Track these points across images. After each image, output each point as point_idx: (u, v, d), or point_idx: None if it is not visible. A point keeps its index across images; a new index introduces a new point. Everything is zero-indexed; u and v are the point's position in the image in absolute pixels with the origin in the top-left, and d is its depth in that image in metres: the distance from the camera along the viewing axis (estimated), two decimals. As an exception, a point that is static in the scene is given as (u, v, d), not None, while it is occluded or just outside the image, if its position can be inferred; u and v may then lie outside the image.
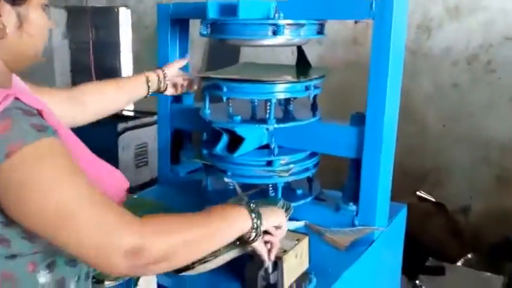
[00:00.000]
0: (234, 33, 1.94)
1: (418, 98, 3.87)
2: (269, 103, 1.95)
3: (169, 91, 2.02)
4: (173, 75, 2.00)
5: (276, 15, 1.89)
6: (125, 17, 5.62)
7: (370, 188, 1.93)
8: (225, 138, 2.01)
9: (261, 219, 1.37)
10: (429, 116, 3.88)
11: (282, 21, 1.88)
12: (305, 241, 1.64)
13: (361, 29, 3.92)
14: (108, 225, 1.06)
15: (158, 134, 2.48)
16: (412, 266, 2.90)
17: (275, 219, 1.45)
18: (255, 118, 2.08)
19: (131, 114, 5.22)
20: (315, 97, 2.11)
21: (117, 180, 1.36)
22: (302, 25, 1.94)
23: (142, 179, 4.65)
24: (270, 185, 2.09)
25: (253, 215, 1.35)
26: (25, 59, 1.25)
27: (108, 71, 5.80)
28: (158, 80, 1.95)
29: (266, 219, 1.39)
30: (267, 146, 2.08)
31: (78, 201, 1.06)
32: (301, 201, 2.10)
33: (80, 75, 6.04)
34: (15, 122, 1.04)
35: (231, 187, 2.11)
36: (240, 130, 1.97)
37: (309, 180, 2.20)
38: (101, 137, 4.61)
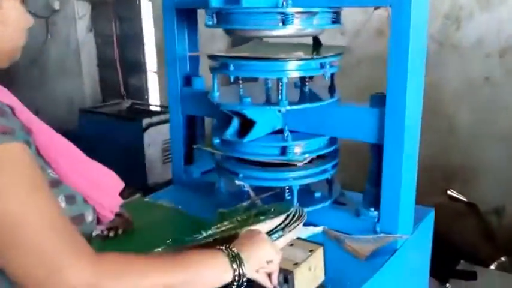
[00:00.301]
0: (240, 23, 1.79)
1: (447, 92, 3.66)
2: (281, 82, 1.79)
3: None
4: None
5: (284, 3, 1.71)
6: (146, 9, 5.56)
7: (393, 181, 1.75)
8: (235, 123, 1.87)
9: (243, 267, 1.18)
10: (459, 111, 3.67)
11: (290, 10, 1.72)
12: (319, 252, 1.47)
13: (386, 19, 3.72)
14: (59, 254, 0.92)
15: (170, 125, 2.35)
16: (442, 269, 2.75)
17: (260, 258, 1.25)
18: (266, 100, 1.93)
19: (157, 109, 5.16)
20: (332, 77, 1.94)
21: (111, 181, 1.23)
22: (314, 13, 1.77)
23: (169, 175, 4.49)
24: (286, 188, 1.94)
25: (234, 265, 1.17)
26: (1, 53, 1.12)
27: (133, 64, 5.79)
28: None
29: (250, 263, 1.20)
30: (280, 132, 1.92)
31: (29, 223, 0.92)
32: (320, 205, 1.94)
33: (106, 69, 6.07)
34: None
35: (245, 189, 1.98)
36: (250, 113, 1.82)
37: (328, 181, 2.03)
38: (125, 133, 4.65)
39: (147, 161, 4.60)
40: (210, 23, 1.87)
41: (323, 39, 1.98)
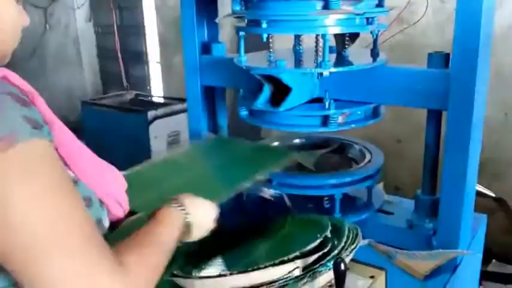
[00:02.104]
0: (270, 11, 1.53)
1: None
2: (322, 41, 1.52)
3: None
4: None
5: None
6: (147, -2, 5.35)
7: (455, 182, 1.50)
8: (267, 89, 1.60)
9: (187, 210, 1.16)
10: (488, 102, 3.42)
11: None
12: (382, 279, 1.26)
13: (408, 6, 3.52)
14: (92, 277, 0.83)
15: (188, 104, 2.07)
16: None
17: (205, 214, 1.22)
18: (304, 64, 1.67)
19: (161, 101, 5.00)
20: (376, 37, 1.68)
21: (120, 179, 1.14)
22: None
23: None
24: (326, 197, 1.72)
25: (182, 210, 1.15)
26: None
27: (135, 55, 5.60)
28: None
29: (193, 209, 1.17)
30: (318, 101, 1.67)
31: (58, 234, 0.82)
32: (364, 215, 1.72)
33: (106, 60, 5.91)
34: (5, 109, 0.81)
35: (278, 195, 1.76)
36: (287, 77, 1.55)
37: (369, 188, 1.79)
38: (130, 126, 4.46)
39: (153, 154, 4.38)
40: (238, 8, 1.63)
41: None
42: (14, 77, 0.88)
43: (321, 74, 1.56)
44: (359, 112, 1.65)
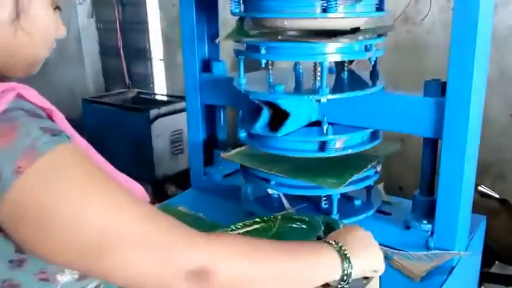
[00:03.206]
0: (272, 11, 1.54)
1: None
2: (320, 68, 1.54)
3: None
4: None
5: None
6: (151, -7, 5.30)
7: (452, 188, 1.51)
8: (266, 113, 1.62)
9: (351, 269, 1.04)
10: (492, 103, 3.39)
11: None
12: (376, 280, 1.23)
13: (414, 4, 3.49)
14: (168, 243, 0.84)
15: (188, 118, 2.09)
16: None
17: (368, 265, 1.11)
18: (302, 89, 1.68)
19: (164, 99, 4.98)
20: (375, 61, 1.69)
21: (140, 193, 1.11)
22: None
23: (179, 167, 4.43)
24: (323, 196, 1.71)
25: (345, 264, 1.04)
26: (18, 63, 0.95)
27: (138, 52, 5.55)
28: None
29: (358, 267, 1.06)
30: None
31: (122, 218, 0.83)
32: (362, 216, 1.71)
33: (109, 57, 5.86)
34: (21, 127, 0.80)
35: (276, 196, 1.78)
36: (285, 103, 1.57)
37: (368, 188, 1.79)
38: (132, 124, 4.46)
39: (155, 153, 4.38)
40: (237, 10, 1.63)
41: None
42: (29, 94, 0.87)
43: (319, 100, 1.58)
44: (357, 137, 1.66)
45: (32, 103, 0.86)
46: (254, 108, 1.68)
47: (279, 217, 1.55)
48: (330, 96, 1.54)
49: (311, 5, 1.48)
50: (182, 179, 3.82)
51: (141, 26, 5.44)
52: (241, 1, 1.62)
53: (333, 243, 1.05)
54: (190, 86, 2.01)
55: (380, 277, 1.24)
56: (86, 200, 0.81)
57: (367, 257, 1.10)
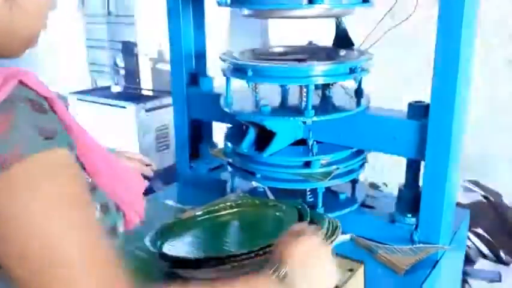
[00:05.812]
0: (258, 2, 1.57)
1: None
2: (305, 90, 1.57)
3: None
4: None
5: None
6: (139, -14, 5.24)
7: (434, 198, 1.54)
8: (251, 133, 1.65)
9: None
10: (476, 96, 3.44)
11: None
12: (360, 272, 1.27)
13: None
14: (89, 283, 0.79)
15: (174, 124, 2.12)
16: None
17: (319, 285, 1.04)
18: (288, 108, 1.71)
19: (150, 94, 4.96)
20: (360, 81, 1.73)
21: (137, 180, 1.14)
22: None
23: (164, 163, 4.39)
24: (308, 190, 1.74)
25: None
26: (15, 40, 0.93)
27: (126, 47, 5.50)
28: None
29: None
30: (301, 142, 1.71)
31: (71, 241, 0.80)
32: (347, 209, 1.73)
33: (95, 51, 5.81)
34: (17, 121, 0.77)
35: (261, 189, 1.79)
36: (270, 124, 1.60)
37: (353, 181, 1.82)
38: (117, 120, 4.46)
39: (141, 149, 4.37)
40: (223, 1, 1.64)
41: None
42: (31, 80, 0.84)
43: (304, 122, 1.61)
44: (342, 155, 1.69)
45: (35, 91, 0.83)
46: (240, 125, 1.71)
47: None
48: (315, 118, 1.57)
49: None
50: (168, 175, 3.84)
51: (128, 19, 5.40)
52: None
53: (277, 275, 0.99)
54: (177, 99, 2.04)
55: (364, 270, 1.28)
56: (48, 216, 0.78)
57: (318, 277, 1.03)
